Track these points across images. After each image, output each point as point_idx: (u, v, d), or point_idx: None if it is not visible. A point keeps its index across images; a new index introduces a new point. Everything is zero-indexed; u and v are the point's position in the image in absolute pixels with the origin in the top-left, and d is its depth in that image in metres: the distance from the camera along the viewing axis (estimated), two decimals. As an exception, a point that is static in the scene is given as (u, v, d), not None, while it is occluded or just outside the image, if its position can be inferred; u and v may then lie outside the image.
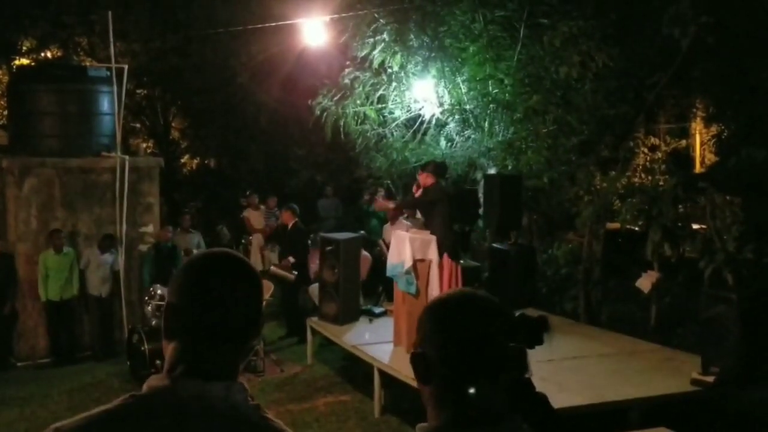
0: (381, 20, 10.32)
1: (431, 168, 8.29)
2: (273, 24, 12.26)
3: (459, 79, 10.44)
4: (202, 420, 1.49)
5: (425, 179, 8.21)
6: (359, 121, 10.95)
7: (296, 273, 10.86)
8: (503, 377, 1.58)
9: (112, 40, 10.95)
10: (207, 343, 1.54)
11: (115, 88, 11.00)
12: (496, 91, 10.29)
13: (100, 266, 10.66)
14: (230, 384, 1.54)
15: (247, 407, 1.55)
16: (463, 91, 10.47)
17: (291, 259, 10.95)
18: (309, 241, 11.28)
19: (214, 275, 1.57)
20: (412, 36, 10.34)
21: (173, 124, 20.20)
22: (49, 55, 17.76)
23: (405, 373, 7.08)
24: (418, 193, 8.41)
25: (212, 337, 1.54)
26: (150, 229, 11.24)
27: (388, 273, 8.33)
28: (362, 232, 10.85)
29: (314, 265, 10.60)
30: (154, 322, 9.22)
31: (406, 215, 10.00)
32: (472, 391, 1.52)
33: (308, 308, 10.57)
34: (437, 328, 1.57)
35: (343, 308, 9.29)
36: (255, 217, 13.96)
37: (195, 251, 11.69)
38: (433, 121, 10.88)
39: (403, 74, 10.63)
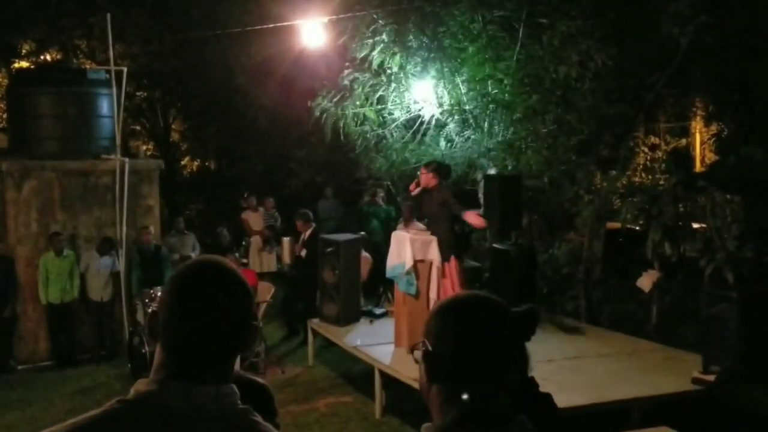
0: (380, 21, 10.31)
1: (435, 167, 8.26)
2: (272, 25, 12.27)
3: (458, 80, 10.44)
4: (189, 424, 1.48)
5: (429, 179, 8.18)
6: (359, 122, 10.95)
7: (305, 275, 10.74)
8: (511, 378, 1.60)
9: (111, 42, 10.96)
10: (190, 348, 1.53)
11: (114, 90, 11.01)
12: (496, 91, 10.29)
13: (99, 270, 10.66)
14: (219, 387, 1.52)
15: (236, 410, 1.54)
16: (463, 91, 10.47)
17: (303, 253, 10.81)
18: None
19: (193, 283, 1.57)
20: (411, 37, 10.34)
21: (173, 126, 20.21)
22: (48, 57, 17.77)
23: (406, 373, 7.08)
24: (416, 191, 8.38)
25: (195, 343, 1.53)
26: (151, 231, 11.23)
27: (388, 274, 8.32)
28: (362, 233, 10.82)
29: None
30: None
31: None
32: (464, 397, 1.54)
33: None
34: (450, 328, 1.59)
35: (344, 309, 9.30)
36: (253, 218, 13.95)
37: (192, 254, 11.72)
38: (433, 122, 10.88)
39: (402, 75, 10.62)
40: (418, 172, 8.66)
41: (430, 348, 1.60)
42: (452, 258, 8.07)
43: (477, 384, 1.55)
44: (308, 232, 10.87)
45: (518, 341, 1.65)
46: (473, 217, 8.17)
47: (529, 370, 2.40)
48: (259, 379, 2.31)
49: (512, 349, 1.60)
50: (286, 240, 11.44)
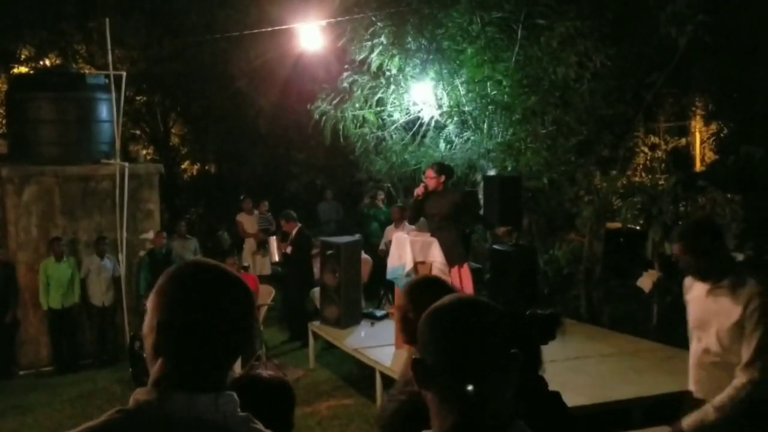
0: (378, 23, 10.32)
1: (440, 168, 8.20)
2: (270, 29, 12.28)
3: (457, 81, 10.44)
4: None
5: (437, 181, 8.09)
6: (358, 124, 10.95)
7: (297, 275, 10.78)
8: (507, 382, 1.57)
9: (110, 47, 10.97)
10: (195, 357, 1.53)
11: (113, 95, 11.01)
12: (495, 92, 10.29)
13: (100, 274, 10.66)
14: (218, 395, 1.52)
15: (237, 418, 1.54)
16: (462, 92, 10.48)
17: (290, 250, 10.86)
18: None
19: (202, 290, 1.55)
20: (409, 39, 10.35)
21: (173, 130, 20.21)
22: (47, 62, 17.78)
23: (407, 375, 7.08)
24: (422, 194, 8.25)
25: (201, 351, 1.53)
26: (151, 235, 11.25)
27: (389, 276, 8.31)
28: (358, 235, 10.82)
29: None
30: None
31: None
32: (470, 388, 1.51)
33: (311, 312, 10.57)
34: (434, 336, 1.57)
35: (345, 312, 9.29)
36: (248, 221, 13.94)
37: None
38: (432, 124, 10.88)
39: (401, 77, 10.63)
40: (423, 176, 8.62)
41: (419, 356, 1.58)
42: (465, 264, 8.04)
43: (467, 391, 1.52)
44: (294, 231, 10.94)
45: (531, 342, 1.62)
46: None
47: (541, 371, 2.36)
48: (279, 377, 2.28)
49: (505, 353, 1.56)
50: (272, 239, 11.49)
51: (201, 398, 1.50)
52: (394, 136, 11.07)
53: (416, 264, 7.92)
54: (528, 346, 2.37)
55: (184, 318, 1.53)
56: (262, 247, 13.57)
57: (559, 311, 1.73)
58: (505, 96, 10.22)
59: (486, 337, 1.55)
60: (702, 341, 3.83)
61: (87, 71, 14.85)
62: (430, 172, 8.20)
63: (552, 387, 2.94)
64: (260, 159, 18.27)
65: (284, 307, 11.54)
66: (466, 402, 1.53)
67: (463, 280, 8.02)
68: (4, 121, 16.37)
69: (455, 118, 10.64)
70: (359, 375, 8.84)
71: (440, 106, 10.68)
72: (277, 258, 11.39)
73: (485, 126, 10.52)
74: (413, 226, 8.52)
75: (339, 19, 10.62)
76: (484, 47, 10.05)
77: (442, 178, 8.09)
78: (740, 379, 3.57)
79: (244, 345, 1.58)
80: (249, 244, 13.64)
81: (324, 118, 10.88)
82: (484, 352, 1.54)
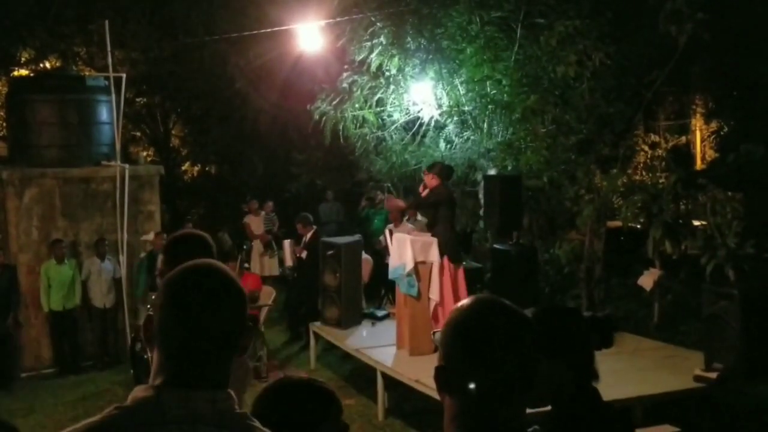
0: (378, 24, 10.33)
1: (437, 170, 8.27)
2: (270, 29, 12.28)
3: (457, 81, 10.45)
4: (185, 429, 1.48)
5: (430, 180, 8.19)
6: (358, 124, 10.96)
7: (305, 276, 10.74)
8: (531, 393, 1.53)
9: (109, 49, 10.97)
10: (187, 354, 1.53)
11: (113, 96, 11.02)
12: (494, 91, 10.30)
13: (101, 275, 10.67)
14: (215, 393, 1.53)
15: (233, 416, 1.54)
16: (461, 92, 10.48)
17: (304, 254, 10.84)
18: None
19: (190, 289, 1.56)
20: (409, 39, 10.36)
21: (173, 132, 20.21)
22: (47, 65, 17.78)
23: (408, 375, 7.08)
24: (424, 194, 8.38)
25: (191, 348, 1.53)
26: (151, 237, 11.25)
27: (390, 276, 8.31)
28: (358, 235, 10.81)
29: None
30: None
31: (408, 217, 10.00)
32: (472, 386, 1.48)
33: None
34: (457, 343, 1.52)
35: (346, 312, 9.29)
36: (255, 222, 13.93)
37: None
38: (432, 123, 10.89)
39: (400, 77, 10.64)
40: (423, 174, 8.66)
41: (444, 364, 1.55)
42: (445, 258, 8.06)
43: (487, 401, 1.50)
44: (309, 235, 10.89)
45: (588, 349, 1.57)
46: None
47: (595, 381, 2.23)
48: (326, 386, 2.25)
49: (533, 360, 1.51)
50: (287, 242, 11.47)
51: (197, 395, 1.51)
52: (394, 136, 11.08)
53: (416, 264, 7.93)
54: (584, 353, 2.28)
55: (166, 314, 1.55)
56: (269, 247, 13.53)
57: (612, 315, 1.65)
58: (505, 95, 10.23)
59: (515, 345, 1.50)
60: None
61: (87, 73, 14.85)
62: (425, 171, 8.43)
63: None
64: (260, 160, 18.27)
65: (286, 307, 11.53)
66: (488, 412, 1.50)
67: (458, 281, 8.06)
68: (4, 124, 16.38)
69: (455, 118, 10.65)
70: (360, 375, 8.84)
71: (440, 106, 10.68)
72: (290, 262, 11.35)
73: (485, 125, 10.53)
74: (411, 226, 8.53)
75: (338, 19, 10.62)
76: (483, 47, 10.06)
77: (429, 176, 8.21)
78: None
79: (234, 343, 1.58)
80: (257, 246, 13.62)
81: (324, 118, 10.89)
82: (514, 360, 1.49)
